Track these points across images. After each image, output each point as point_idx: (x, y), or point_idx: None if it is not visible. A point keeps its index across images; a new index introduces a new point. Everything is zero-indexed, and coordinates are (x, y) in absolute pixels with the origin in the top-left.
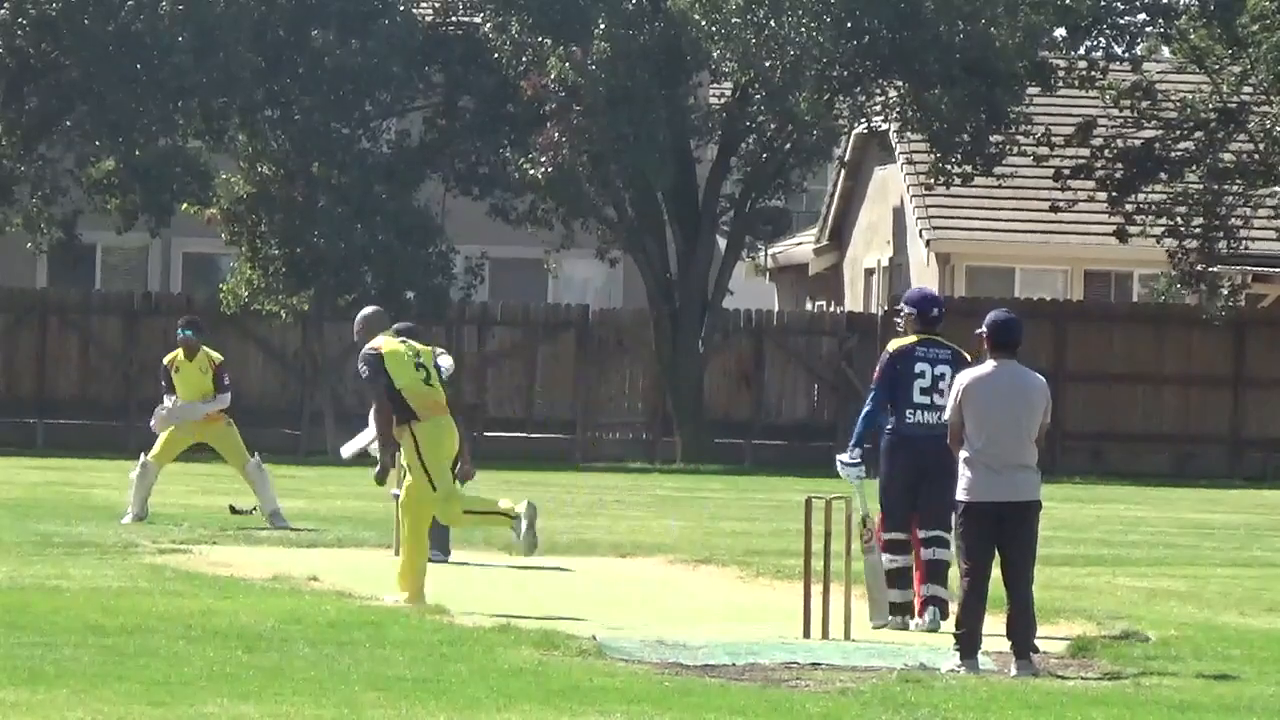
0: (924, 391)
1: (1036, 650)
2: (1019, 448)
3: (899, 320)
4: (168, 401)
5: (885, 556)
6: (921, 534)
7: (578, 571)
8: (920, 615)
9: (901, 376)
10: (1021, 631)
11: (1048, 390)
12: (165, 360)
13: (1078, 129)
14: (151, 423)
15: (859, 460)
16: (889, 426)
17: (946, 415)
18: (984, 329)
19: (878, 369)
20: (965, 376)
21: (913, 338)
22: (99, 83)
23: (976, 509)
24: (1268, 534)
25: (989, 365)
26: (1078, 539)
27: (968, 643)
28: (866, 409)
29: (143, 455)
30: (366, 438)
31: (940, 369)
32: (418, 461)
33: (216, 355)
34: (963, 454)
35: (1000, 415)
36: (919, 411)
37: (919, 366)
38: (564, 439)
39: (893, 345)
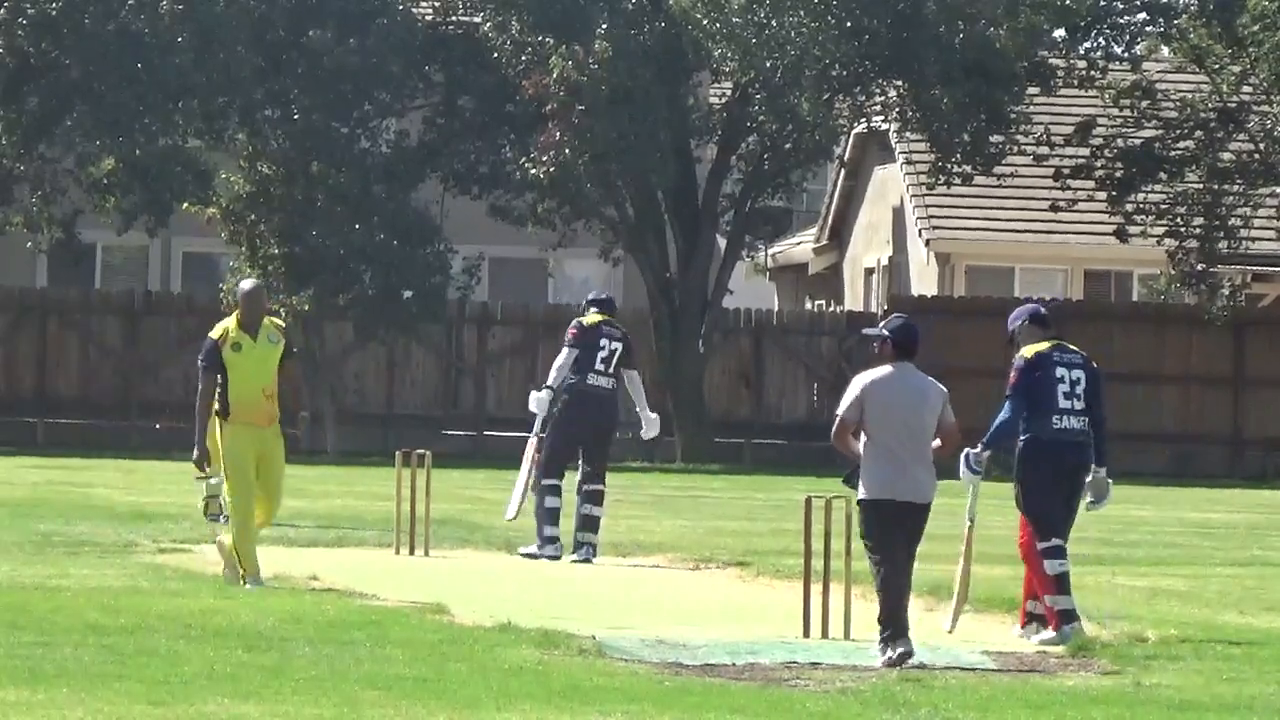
0: (1066, 396)
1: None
2: (919, 447)
3: (1016, 333)
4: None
5: (1055, 563)
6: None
7: (578, 571)
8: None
9: (1042, 383)
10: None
11: (945, 391)
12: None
13: (1077, 129)
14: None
15: (981, 468)
16: (1027, 435)
17: (840, 412)
18: (886, 334)
19: (1014, 375)
20: (864, 378)
21: (1044, 344)
22: (99, 82)
23: (877, 505)
24: (1268, 534)
25: (887, 369)
26: (1078, 539)
27: (895, 627)
28: (1005, 418)
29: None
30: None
31: (1076, 373)
32: None
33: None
34: (864, 452)
35: (902, 416)
36: (1065, 417)
37: (1059, 372)
38: None
39: (1028, 351)
